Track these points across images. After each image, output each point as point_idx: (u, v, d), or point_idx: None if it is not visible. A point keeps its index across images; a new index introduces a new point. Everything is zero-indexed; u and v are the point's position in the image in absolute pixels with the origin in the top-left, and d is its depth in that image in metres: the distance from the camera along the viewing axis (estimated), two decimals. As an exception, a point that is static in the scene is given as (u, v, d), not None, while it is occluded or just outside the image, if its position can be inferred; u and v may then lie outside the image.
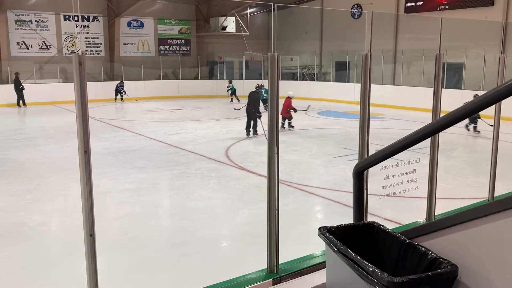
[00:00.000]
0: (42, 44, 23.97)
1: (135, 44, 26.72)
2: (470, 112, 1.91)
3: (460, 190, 7.55)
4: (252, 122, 12.46)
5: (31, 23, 23.57)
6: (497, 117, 5.36)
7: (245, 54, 26.28)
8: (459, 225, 1.95)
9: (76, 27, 24.84)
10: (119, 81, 22.95)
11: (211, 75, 27.94)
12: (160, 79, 25.73)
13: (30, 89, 20.44)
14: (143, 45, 27.06)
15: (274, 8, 21.76)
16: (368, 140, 3.83)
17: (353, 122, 11.71)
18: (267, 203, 3.25)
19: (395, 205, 6.14)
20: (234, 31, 26.55)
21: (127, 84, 22.80)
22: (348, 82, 22.93)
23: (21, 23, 23.31)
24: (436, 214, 4.55)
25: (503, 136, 5.96)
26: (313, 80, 25.82)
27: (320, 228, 2.33)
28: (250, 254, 4.84)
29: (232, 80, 23.98)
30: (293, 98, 13.72)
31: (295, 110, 13.79)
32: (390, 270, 1.99)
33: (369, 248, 2.30)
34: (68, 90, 17.54)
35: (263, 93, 14.31)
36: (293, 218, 6.00)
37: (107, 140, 11.76)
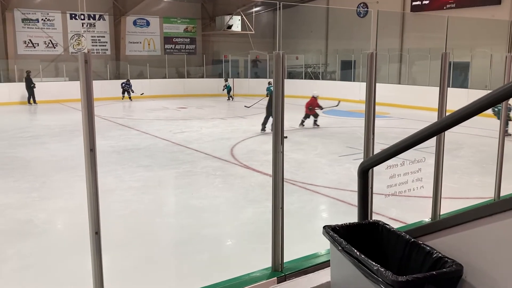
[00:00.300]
0: (49, 43, 24.10)
1: (140, 42, 26.77)
2: (475, 111, 1.89)
3: (466, 189, 7.51)
4: (271, 118, 12.46)
5: (38, 22, 23.72)
6: (504, 116, 5.36)
7: (250, 53, 26.28)
8: (465, 224, 1.93)
9: (82, 25, 24.94)
10: (126, 80, 22.91)
11: (220, 75, 27.75)
12: (165, 78, 25.73)
13: (37, 87, 20.58)
14: (149, 44, 27.11)
15: (279, 7, 21.60)
16: (373, 139, 3.82)
17: (359, 121, 11.66)
18: (271, 202, 3.25)
19: (400, 204, 6.14)
20: (240, 30, 26.55)
21: (133, 83, 22.81)
22: (354, 81, 22.86)
23: (28, 21, 23.45)
24: (441, 213, 4.52)
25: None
26: (318, 79, 25.77)
27: (324, 227, 2.33)
28: (255, 253, 4.86)
29: (228, 79, 24.20)
30: (318, 98, 13.70)
31: (321, 108, 13.79)
32: (394, 269, 1.98)
33: (373, 247, 2.30)
34: (74, 89, 17.61)
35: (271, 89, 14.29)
36: (298, 216, 6.01)
37: (112, 139, 11.81)
